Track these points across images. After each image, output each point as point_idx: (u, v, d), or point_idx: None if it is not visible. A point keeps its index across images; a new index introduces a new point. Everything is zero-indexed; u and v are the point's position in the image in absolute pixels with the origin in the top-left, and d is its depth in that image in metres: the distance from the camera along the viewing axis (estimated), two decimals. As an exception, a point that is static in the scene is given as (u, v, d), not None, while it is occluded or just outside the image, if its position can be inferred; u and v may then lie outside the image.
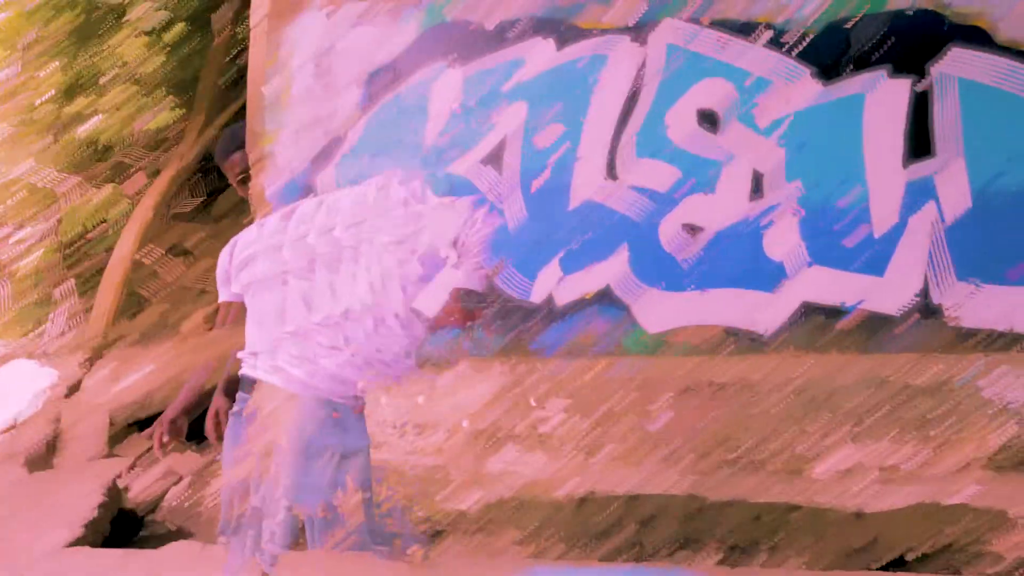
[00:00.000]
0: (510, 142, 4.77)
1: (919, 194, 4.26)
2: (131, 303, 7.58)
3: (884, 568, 3.71)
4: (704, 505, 3.84)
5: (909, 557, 3.70)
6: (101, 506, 4.42)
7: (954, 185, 4.21)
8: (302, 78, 5.08)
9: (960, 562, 3.70)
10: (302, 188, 5.02)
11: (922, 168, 4.25)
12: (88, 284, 7.41)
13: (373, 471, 4.45)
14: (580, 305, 4.63)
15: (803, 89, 4.44)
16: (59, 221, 6.41)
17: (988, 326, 4.16)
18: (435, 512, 4.10)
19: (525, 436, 4.33)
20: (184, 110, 6.97)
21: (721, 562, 3.85)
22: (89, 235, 6.84)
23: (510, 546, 4.05)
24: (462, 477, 4.23)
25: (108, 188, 6.33)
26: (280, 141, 5.11)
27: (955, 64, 4.21)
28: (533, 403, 4.42)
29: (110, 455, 5.94)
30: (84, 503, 4.41)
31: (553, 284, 4.67)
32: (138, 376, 6.27)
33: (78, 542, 4.12)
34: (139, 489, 5.57)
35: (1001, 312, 4.15)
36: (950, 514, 3.67)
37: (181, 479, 5.66)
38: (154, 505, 5.49)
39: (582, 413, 4.32)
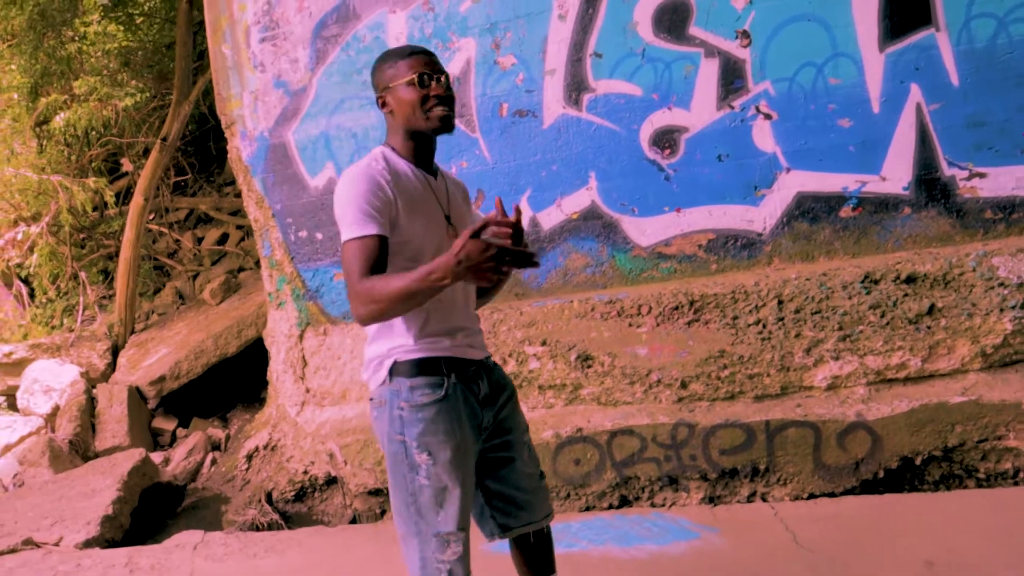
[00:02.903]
0: (475, 67, 4.58)
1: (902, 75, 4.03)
2: (151, 280, 7.69)
3: (891, 473, 3.58)
4: (693, 432, 3.73)
5: (918, 461, 3.54)
6: (117, 501, 4.48)
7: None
8: (255, 37, 4.94)
9: (973, 460, 3.54)
10: (273, 148, 4.94)
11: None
12: (99, 274, 7.54)
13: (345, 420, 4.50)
14: (568, 226, 4.49)
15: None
16: (56, 216, 6.46)
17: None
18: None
19: (513, 375, 4.25)
20: (156, 88, 6.92)
21: (706, 497, 3.76)
22: (87, 227, 6.92)
23: None
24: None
25: (94, 180, 6.30)
26: (245, 104, 5.00)
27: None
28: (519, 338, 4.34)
29: (150, 428, 6.12)
30: (100, 500, 4.48)
31: (538, 208, 4.53)
32: (166, 351, 6.39)
33: (91, 543, 4.17)
34: (177, 462, 5.74)
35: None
36: (958, 412, 3.48)
37: (214, 450, 5.80)
38: (193, 475, 5.66)
39: (566, 347, 4.22)
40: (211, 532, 4.18)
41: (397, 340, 2.15)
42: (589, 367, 4.15)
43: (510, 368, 4.31)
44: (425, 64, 2.24)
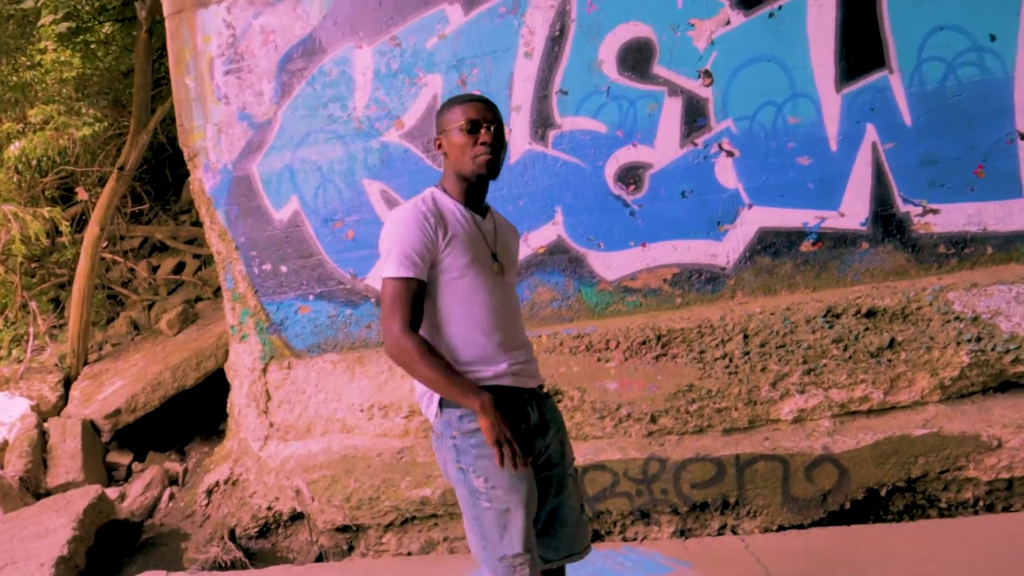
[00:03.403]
0: (441, 103, 4.61)
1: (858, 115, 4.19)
2: (105, 309, 7.52)
3: (857, 504, 3.67)
4: (664, 466, 3.78)
5: (883, 493, 3.64)
6: (72, 541, 4.35)
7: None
8: (219, 69, 4.92)
9: (935, 491, 3.64)
10: (237, 181, 4.90)
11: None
12: (50, 304, 7.36)
13: (344, 460, 4.47)
14: (534, 260, 4.53)
15: (724, 21, 4.29)
16: (7, 245, 6.30)
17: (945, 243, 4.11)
18: (401, 501, 4.07)
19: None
20: (113, 117, 6.81)
21: (677, 530, 3.81)
22: (39, 255, 6.77)
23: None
24: (426, 459, 4.18)
25: (48, 210, 6.17)
26: (208, 136, 4.96)
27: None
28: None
29: (104, 463, 5.97)
30: (54, 540, 4.35)
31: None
32: (121, 383, 6.26)
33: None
34: (133, 497, 5.60)
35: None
36: (920, 444, 3.59)
37: (171, 484, 5.68)
38: (150, 510, 5.53)
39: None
40: (174, 572, 4.09)
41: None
42: (559, 401, 4.19)
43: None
44: (478, 111, 2.33)
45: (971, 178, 4.13)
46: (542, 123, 4.49)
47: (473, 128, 2.30)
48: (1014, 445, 3.50)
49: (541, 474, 2.31)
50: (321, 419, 4.71)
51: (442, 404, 2.22)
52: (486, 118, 2.32)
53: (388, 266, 2.19)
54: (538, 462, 2.30)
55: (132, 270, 7.68)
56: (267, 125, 4.85)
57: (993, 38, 4.08)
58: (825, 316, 3.94)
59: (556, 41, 4.47)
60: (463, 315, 2.24)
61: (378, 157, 4.71)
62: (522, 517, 2.16)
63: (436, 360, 2.12)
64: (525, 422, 2.25)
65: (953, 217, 4.15)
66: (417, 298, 2.18)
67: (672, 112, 4.41)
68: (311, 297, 4.83)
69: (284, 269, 4.86)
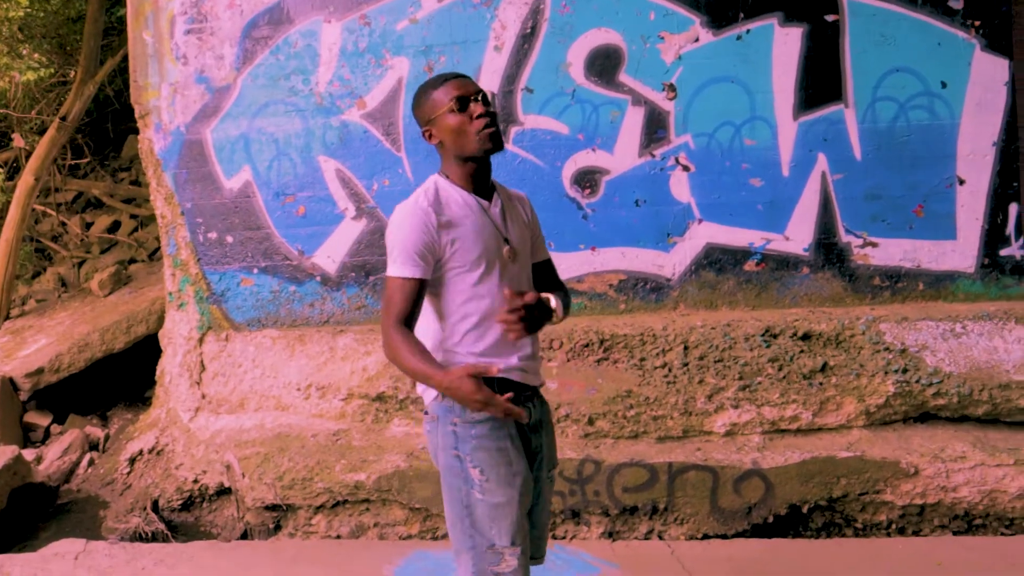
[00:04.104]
0: (406, 87, 4.59)
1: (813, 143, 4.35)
2: (31, 263, 7.25)
3: (779, 519, 3.80)
4: (598, 468, 3.86)
5: (804, 509, 3.78)
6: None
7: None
8: (180, 28, 4.79)
9: (853, 511, 3.80)
10: (189, 145, 4.79)
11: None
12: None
13: (278, 438, 4.42)
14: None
15: (693, 38, 4.38)
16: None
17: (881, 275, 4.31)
18: (335, 483, 4.05)
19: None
20: (59, 63, 6.54)
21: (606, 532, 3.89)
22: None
23: (399, 522, 4.05)
24: (362, 443, 4.17)
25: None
26: (163, 96, 4.83)
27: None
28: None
29: (21, 423, 5.76)
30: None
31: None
32: (45, 342, 6.05)
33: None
34: (51, 460, 5.43)
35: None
36: (844, 466, 3.73)
37: (92, 450, 5.53)
38: (68, 475, 5.37)
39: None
40: (94, 541, 3.98)
41: (451, 358, 2.21)
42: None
43: (418, 390, 4.34)
44: (461, 86, 2.21)
45: (911, 216, 4.31)
46: (505, 118, 4.51)
47: (463, 105, 2.19)
48: (929, 474, 3.68)
49: (532, 473, 2.29)
50: (256, 395, 4.65)
51: None
52: (471, 91, 2.21)
53: (390, 264, 2.16)
54: (534, 461, 2.29)
55: (64, 224, 7.40)
56: (225, 91, 4.75)
57: (944, 85, 4.27)
58: (763, 335, 4.06)
59: (527, 38, 4.49)
60: (476, 308, 2.20)
61: (337, 135, 4.66)
62: (514, 512, 2.15)
63: (420, 355, 2.07)
64: (528, 418, 2.21)
65: (891, 251, 4.33)
66: (413, 296, 2.14)
67: (634, 121, 4.48)
68: (255, 270, 4.76)
69: (230, 239, 4.77)
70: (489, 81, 4.52)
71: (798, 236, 4.37)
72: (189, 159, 4.80)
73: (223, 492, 4.47)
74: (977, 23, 4.25)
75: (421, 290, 2.16)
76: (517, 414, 2.00)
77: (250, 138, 4.74)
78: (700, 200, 4.44)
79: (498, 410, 1.98)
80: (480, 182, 2.28)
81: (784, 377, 3.98)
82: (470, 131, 2.19)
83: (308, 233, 4.73)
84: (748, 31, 4.34)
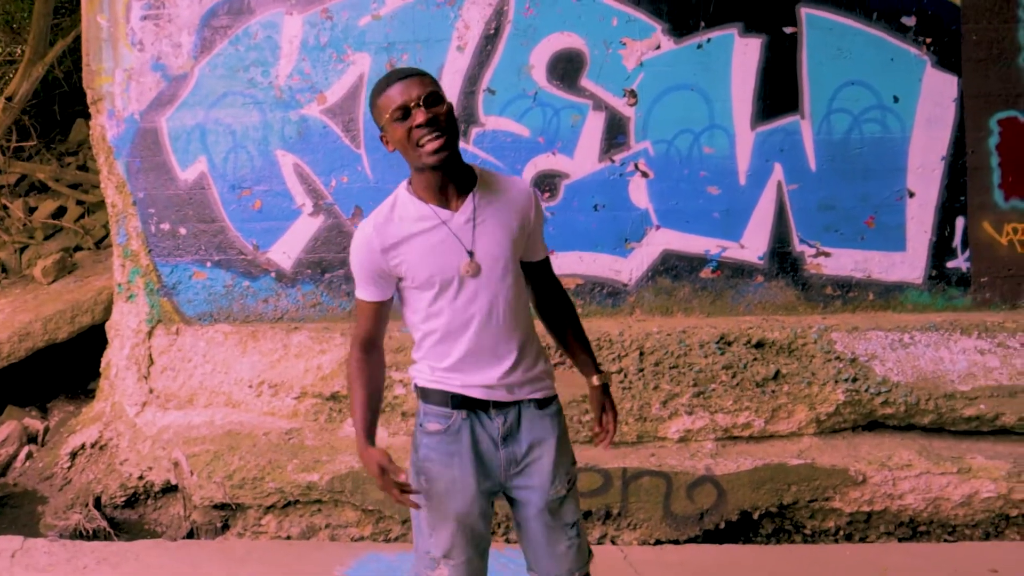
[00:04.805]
0: (367, 83, 4.54)
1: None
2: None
3: (731, 525, 3.86)
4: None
5: (755, 516, 3.85)
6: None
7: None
8: (136, 13, 4.67)
9: (802, 517, 3.88)
10: (143, 133, 4.68)
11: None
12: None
13: (228, 436, 4.35)
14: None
15: (655, 45, 4.42)
16: None
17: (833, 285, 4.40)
18: (286, 483, 4.01)
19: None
20: (6, 42, 6.35)
21: None
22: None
23: (351, 524, 4.02)
24: (315, 443, 4.13)
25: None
26: (116, 82, 4.71)
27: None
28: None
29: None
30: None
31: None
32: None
33: None
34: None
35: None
36: (795, 473, 3.80)
37: (30, 442, 5.38)
38: (4, 468, 5.21)
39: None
40: (32, 539, 3.88)
41: (422, 364, 2.23)
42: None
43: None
44: (401, 92, 2.03)
45: (862, 227, 4.40)
46: (465, 119, 4.50)
47: (405, 114, 2.01)
48: (876, 481, 3.77)
49: (515, 482, 2.21)
50: (206, 390, 4.56)
51: (421, 395, 2.23)
52: (413, 96, 2.00)
53: (356, 285, 2.23)
54: (514, 471, 2.19)
55: (6, 208, 7.17)
56: (182, 79, 4.65)
57: (896, 99, 4.37)
58: (718, 342, 4.12)
59: (490, 39, 4.48)
60: (436, 325, 2.15)
61: (296, 129, 4.59)
62: (449, 528, 2.15)
63: (362, 404, 2.18)
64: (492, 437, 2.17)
65: (842, 261, 4.42)
66: (373, 316, 2.21)
67: (594, 126, 4.50)
68: (208, 264, 4.67)
69: (183, 231, 4.68)
70: (451, 81, 4.50)
71: (753, 244, 4.44)
72: (143, 148, 4.69)
73: (169, 490, 4.38)
74: (928, 40, 4.35)
75: (381, 309, 2.21)
76: (407, 503, 2.11)
77: (206, 129, 4.64)
78: (658, 206, 4.48)
79: (391, 497, 2.10)
80: (445, 188, 2.11)
81: (737, 384, 4.04)
82: (412, 142, 2.03)
83: (264, 228, 4.66)
84: (709, 40, 4.39)
